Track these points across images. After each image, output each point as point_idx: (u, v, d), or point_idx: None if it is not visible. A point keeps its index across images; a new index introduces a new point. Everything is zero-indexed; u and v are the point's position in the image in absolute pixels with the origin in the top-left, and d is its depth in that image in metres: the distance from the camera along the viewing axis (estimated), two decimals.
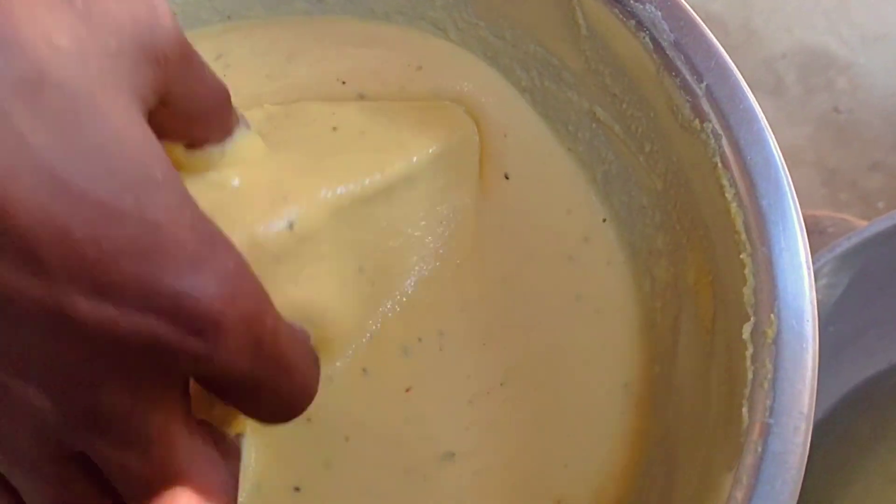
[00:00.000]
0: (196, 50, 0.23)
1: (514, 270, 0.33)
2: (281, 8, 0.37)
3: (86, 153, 0.18)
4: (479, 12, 0.34)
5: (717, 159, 0.28)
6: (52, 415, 0.20)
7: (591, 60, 0.32)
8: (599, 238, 0.33)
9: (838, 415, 0.49)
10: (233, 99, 0.26)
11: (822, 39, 0.61)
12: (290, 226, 0.27)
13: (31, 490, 0.22)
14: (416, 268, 0.32)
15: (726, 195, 0.27)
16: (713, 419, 0.27)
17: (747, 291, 0.26)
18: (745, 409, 0.25)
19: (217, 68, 0.25)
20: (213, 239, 0.20)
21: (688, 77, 0.29)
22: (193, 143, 0.25)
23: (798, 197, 0.27)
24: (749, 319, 0.26)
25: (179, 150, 0.25)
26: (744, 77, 0.29)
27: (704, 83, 0.28)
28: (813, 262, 0.27)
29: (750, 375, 0.26)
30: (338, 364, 0.31)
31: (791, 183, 0.27)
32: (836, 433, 0.48)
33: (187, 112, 0.24)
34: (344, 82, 0.35)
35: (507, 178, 0.34)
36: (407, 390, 0.31)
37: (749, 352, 0.26)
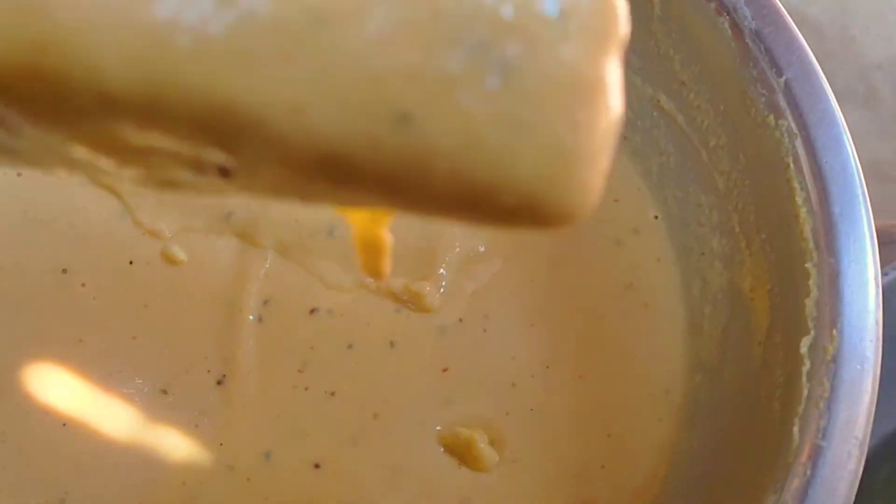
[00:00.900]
0: None
1: (563, 253, 0.32)
2: None
3: None
4: None
5: (790, 160, 0.26)
6: None
7: (661, 43, 0.30)
8: (649, 232, 0.32)
9: None
10: None
11: None
12: None
13: None
14: (457, 248, 0.32)
15: (796, 199, 0.26)
16: (759, 437, 0.26)
17: (810, 303, 0.25)
18: (796, 429, 0.24)
19: None
20: None
21: (766, 69, 0.27)
22: None
23: (877, 212, 0.25)
24: (809, 333, 0.25)
25: None
26: (836, 86, 0.27)
27: (784, 78, 0.27)
28: (882, 276, 0.25)
29: (805, 393, 0.24)
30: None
31: (866, 192, 0.26)
32: None
33: None
34: None
35: None
36: (444, 370, 0.30)
37: (806, 367, 0.24)
